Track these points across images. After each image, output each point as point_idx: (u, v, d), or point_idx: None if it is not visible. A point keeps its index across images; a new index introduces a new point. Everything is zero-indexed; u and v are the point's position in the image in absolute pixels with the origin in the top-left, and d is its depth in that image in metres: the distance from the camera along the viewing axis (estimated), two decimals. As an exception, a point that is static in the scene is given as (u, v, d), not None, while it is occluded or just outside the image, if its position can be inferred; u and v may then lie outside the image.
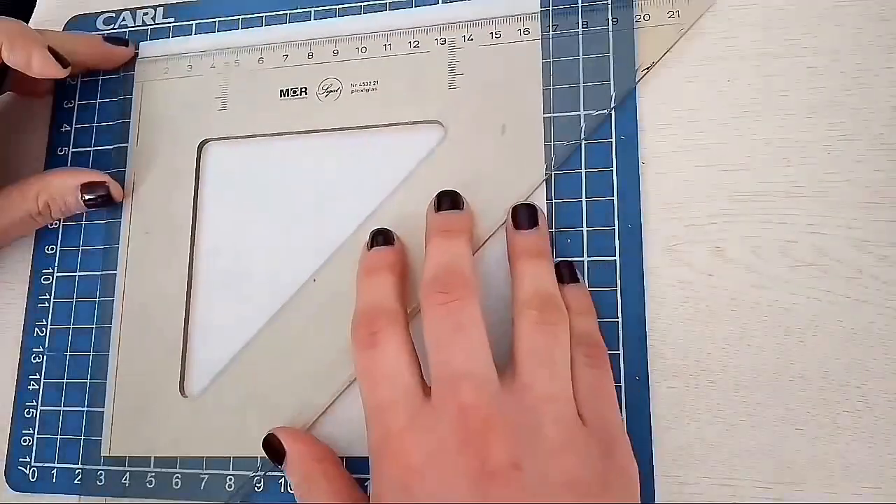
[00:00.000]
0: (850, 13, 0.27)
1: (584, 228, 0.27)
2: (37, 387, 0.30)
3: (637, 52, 0.27)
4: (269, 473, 0.27)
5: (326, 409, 0.27)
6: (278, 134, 0.30)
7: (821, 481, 0.24)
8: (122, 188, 0.31)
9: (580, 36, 0.28)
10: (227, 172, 0.31)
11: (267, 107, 0.31)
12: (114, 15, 0.34)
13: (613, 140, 0.27)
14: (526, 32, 0.29)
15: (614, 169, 0.27)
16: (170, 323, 0.29)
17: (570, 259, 0.26)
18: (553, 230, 0.27)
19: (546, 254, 0.25)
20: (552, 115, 0.27)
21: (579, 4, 0.28)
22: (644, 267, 0.26)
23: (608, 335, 0.25)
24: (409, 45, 0.30)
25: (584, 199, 0.27)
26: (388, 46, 0.30)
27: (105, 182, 0.30)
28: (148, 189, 0.31)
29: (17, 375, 0.30)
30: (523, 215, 0.26)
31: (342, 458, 0.27)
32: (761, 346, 0.25)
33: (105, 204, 0.30)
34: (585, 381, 0.23)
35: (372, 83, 0.30)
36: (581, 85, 0.28)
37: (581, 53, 0.28)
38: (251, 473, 0.27)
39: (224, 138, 0.31)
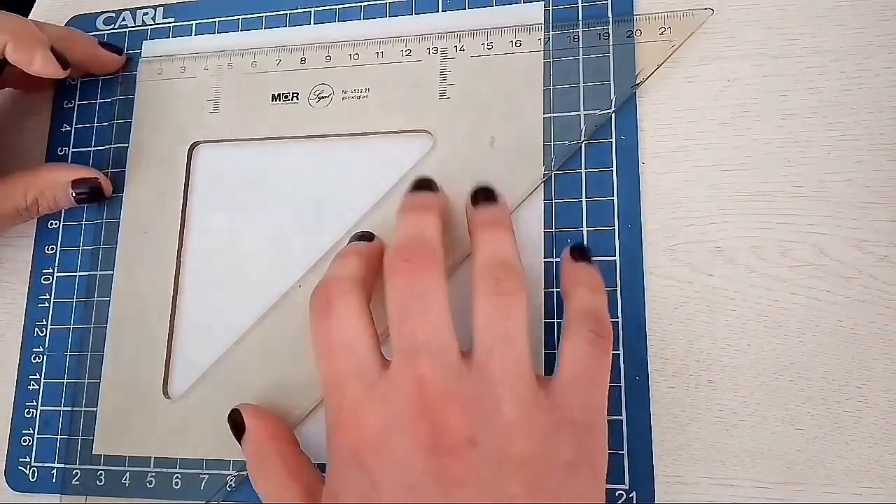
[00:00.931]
0: (850, 13, 0.27)
1: (584, 228, 0.27)
2: (37, 387, 0.30)
3: (635, 67, 0.27)
4: (243, 472, 0.27)
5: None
6: (269, 138, 0.30)
7: (821, 481, 0.24)
8: (124, 188, 0.31)
9: (575, 50, 0.28)
10: (216, 175, 0.31)
11: (258, 111, 0.31)
12: (114, 15, 0.34)
13: (613, 140, 0.27)
14: (518, 45, 0.29)
15: (614, 169, 0.27)
16: (157, 324, 0.29)
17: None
18: (553, 230, 0.27)
19: (505, 224, 0.24)
20: (552, 142, 0.27)
21: (579, 19, 0.28)
22: (644, 267, 0.26)
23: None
24: (401, 54, 0.30)
25: (584, 199, 0.27)
26: (380, 54, 0.30)
27: (96, 177, 0.30)
28: (143, 189, 0.31)
29: (17, 375, 0.30)
30: (481, 193, 0.25)
31: (316, 464, 0.26)
32: (761, 346, 0.25)
33: (96, 199, 0.31)
34: (578, 357, 0.23)
35: (363, 90, 0.30)
36: (581, 111, 0.27)
37: (581, 70, 0.28)
38: (226, 473, 0.27)
39: (215, 141, 0.31)
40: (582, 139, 0.27)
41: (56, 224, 0.32)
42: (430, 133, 0.29)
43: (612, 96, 0.27)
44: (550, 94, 0.28)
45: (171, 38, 0.33)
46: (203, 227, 0.30)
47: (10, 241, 0.32)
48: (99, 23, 0.34)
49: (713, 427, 0.25)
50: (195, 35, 0.33)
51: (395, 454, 0.20)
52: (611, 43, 0.28)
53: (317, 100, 0.30)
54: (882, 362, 0.24)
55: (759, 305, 0.25)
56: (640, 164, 0.27)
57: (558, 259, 0.26)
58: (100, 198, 0.31)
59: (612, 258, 0.26)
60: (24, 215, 0.30)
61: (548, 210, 0.27)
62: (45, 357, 0.30)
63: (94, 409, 0.29)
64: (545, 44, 0.28)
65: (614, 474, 0.24)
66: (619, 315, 0.26)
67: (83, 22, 0.34)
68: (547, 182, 0.27)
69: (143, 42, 0.33)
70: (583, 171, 0.27)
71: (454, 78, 0.29)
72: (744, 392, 0.25)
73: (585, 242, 0.26)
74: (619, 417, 0.25)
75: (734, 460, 0.24)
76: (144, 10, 0.34)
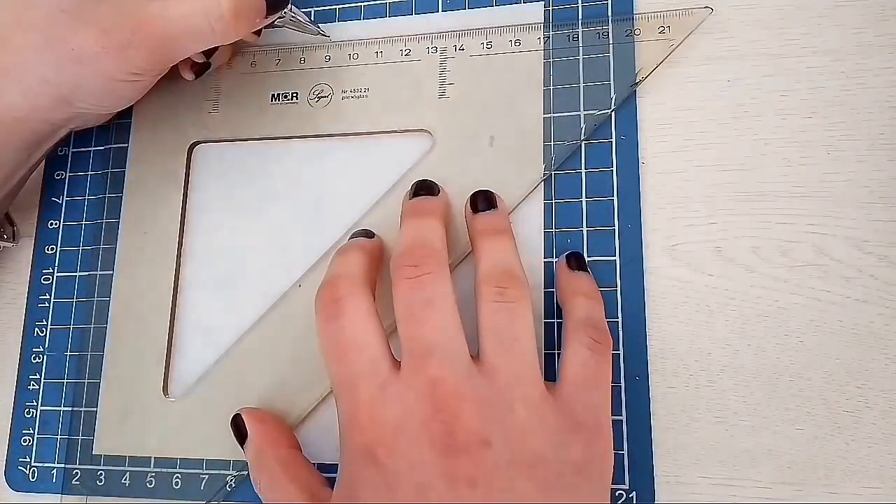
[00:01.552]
0: (850, 13, 0.27)
1: (584, 228, 0.27)
2: (37, 387, 0.30)
3: (634, 66, 0.27)
4: (243, 472, 0.27)
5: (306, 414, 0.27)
6: (269, 138, 0.30)
7: (821, 481, 0.24)
8: (124, 188, 0.31)
9: (575, 50, 0.28)
10: (216, 175, 0.31)
11: (258, 111, 0.31)
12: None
13: (613, 140, 0.27)
14: (517, 44, 0.29)
15: (614, 169, 0.27)
16: (157, 324, 0.29)
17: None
18: (553, 230, 0.27)
19: (506, 231, 0.25)
20: (552, 141, 0.27)
21: (579, 19, 0.28)
22: (644, 267, 0.26)
23: (608, 335, 0.25)
24: (400, 53, 0.30)
25: (584, 199, 0.27)
26: (379, 54, 0.30)
27: None
28: (143, 189, 0.31)
29: (17, 375, 0.30)
30: (481, 199, 0.26)
31: (315, 463, 0.26)
32: (761, 346, 0.25)
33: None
34: (580, 361, 0.23)
35: (363, 90, 0.30)
36: (581, 111, 0.27)
37: (581, 69, 0.28)
38: (226, 473, 0.27)
39: (215, 141, 0.31)
40: (582, 139, 0.27)
41: (56, 224, 0.32)
42: (429, 132, 0.29)
43: (612, 95, 0.27)
44: (550, 93, 0.28)
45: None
46: (203, 227, 0.30)
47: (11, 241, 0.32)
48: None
49: (713, 427, 0.25)
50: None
51: (408, 453, 0.21)
52: (610, 42, 0.28)
53: (316, 99, 0.30)
54: (882, 362, 0.24)
55: (759, 305, 0.25)
56: (640, 164, 0.27)
57: (558, 259, 0.26)
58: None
59: (612, 258, 0.26)
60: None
61: (548, 210, 0.27)
62: (45, 357, 0.30)
63: (94, 409, 0.29)
64: (545, 43, 0.28)
65: (614, 474, 0.24)
66: (619, 315, 0.26)
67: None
68: (547, 182, 0.27)
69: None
70: (583, 171, 0.27)
71: (454, 77, 0.29)
72: (744, 392, 0.25)
73: (585, 242, 0.27)
74: (619, 417, 0.25)
75: (734, 460, 0.24)
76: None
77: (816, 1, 0.27)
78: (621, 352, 0.25)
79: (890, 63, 0.26)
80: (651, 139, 0.27)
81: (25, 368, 0.30)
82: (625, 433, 0.25)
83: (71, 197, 0.32)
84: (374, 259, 0.26)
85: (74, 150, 0.32)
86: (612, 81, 0.27)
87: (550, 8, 0.29)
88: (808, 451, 0.24)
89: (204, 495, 0.27)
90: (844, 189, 0.25)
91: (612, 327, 0.25)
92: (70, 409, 0.29)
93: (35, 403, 0.30)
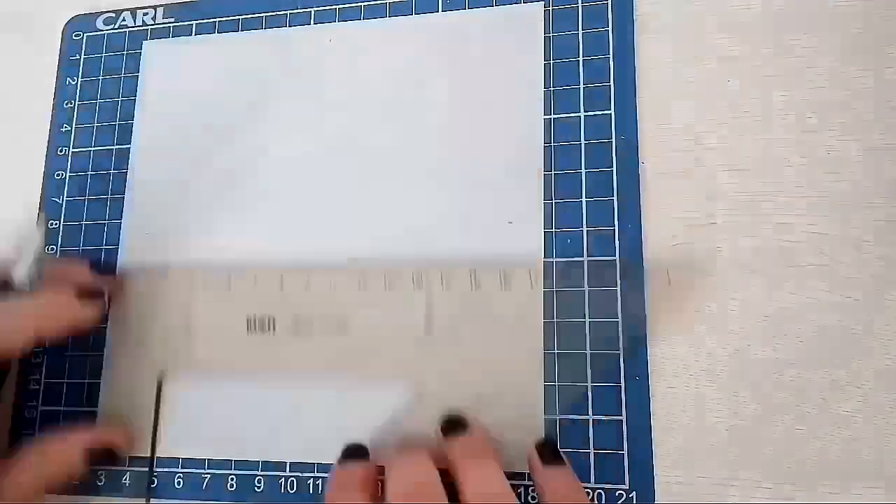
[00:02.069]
0: (850, 13, 0.27)
1: (584, 228, 0.27)
2: (37, 387, 0.30)
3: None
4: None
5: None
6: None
7: (821, 481, 0.24)
8: (125, 189, 0.31)
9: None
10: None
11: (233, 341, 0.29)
12: (114, 15, 0.34)
13: (613, 140, 0.27)
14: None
15: (614, 169, 0.27)
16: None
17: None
18: (553, 230, 0.27)
19: (489, 453, 0.23)
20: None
21: (579, 19, 0.28)
22: (644, 267, 0.26)
23: (608, 335, 0.25)
24: (382, 285, 0.27)
25: (584, 199, 0.27)
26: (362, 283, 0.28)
27: (109, 440, 0.27)
28: (145, 189, 0.31)
29: (17, 375, 0.30)
30: (454, 424, 0.24)
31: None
32: (761, 345, 0.25)
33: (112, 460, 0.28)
34: None
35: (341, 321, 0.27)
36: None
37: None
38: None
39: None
40: (582, 139, 0.27)
41: (56, 224, 0.32)
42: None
43: (612, 96, 0.27)
44: (550, 94, 0.28)
45: (170, 38, 0.33)
46: (207, 228, 0.30)
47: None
48: (99, 23, 0.34)
49: (713, 427, 0.25)
50: (195, 35, 0.33)
51: None
52: (611, 42, 0.28)
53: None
54: (882, 362, 0.24)
55: (759, 305, 0.25)
56: (640, 164, 0.27)
57: (558, 259, 0.26)
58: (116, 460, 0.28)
59: (612, 258, 0.26)
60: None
61: (548, 210, 0.27)
62: (45, 357, 0.30)
63: (95, 409, 0.29)
64: (545, 43, 0.28)
65: (614, 474, 0.24)
66: (620, 315, 0.26)
67: (83, 22, 0.34)
68: (547, 182, 0.27)
69: (143, 42, 0.33)
70: (583, 171, 0.27)
71: (438, 316, 0.27)
72: (744, 392, 0.25)
73: (585, 242, 0.26)
74: (619, 417, 0.25)
75: (734, 460, 0.24)
76: (144, 10, 0.34)
77: (816, 1, 0.27)
78: (621, 352, 0.25)
79: (890, 63, 0.26)
80: (651, 139, 0.27)
81: (25, 368, 0.30)
82: (625, 433, 0.25)
83: (71, 197, 0.32)
84: (372, 496, 0.24)
85: (74, 150, 0.32)
86: (612, 82, 0.27)
87: (550, 8, 0.29)
88: (808, 451, 0.24)
89: (205, 495, 0.27)
90: (844, 189, 0.25)
91: (612, 328, 0.25)
92: (70, 409, 0.29)
93: (35, 403, 0.30)
